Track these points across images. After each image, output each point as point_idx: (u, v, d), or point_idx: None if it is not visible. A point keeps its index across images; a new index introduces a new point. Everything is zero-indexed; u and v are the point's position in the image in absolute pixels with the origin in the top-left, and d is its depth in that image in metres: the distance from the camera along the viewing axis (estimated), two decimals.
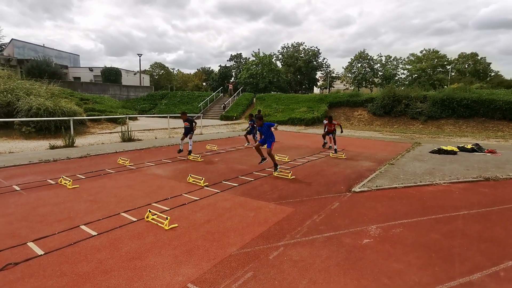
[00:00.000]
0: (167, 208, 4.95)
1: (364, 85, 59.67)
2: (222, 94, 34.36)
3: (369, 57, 58.28)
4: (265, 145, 7.48)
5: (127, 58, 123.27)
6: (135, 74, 47.55)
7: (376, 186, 6.31)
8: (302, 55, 55.34)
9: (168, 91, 37.60)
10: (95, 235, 3.92)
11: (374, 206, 5.24)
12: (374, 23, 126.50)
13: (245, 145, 12.55)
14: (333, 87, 66.05)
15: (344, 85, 63.55)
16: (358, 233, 4.15)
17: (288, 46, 56.79)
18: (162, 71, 77.02)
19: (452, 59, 58.18)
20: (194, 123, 9.70)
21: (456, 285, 2.98)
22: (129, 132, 13.02)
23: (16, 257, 3.33)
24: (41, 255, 3.39)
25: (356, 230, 4.26)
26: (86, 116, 16.36)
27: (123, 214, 4.67)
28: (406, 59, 60.27)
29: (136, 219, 4.46)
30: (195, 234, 4.02)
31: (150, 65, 75.97)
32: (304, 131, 19.33)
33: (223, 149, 11.51)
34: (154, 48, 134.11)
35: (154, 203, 5.20)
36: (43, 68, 29.79)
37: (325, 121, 11.80)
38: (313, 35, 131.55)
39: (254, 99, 31.48)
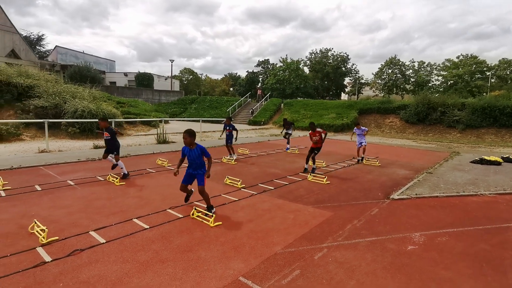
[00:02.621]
0: (200, 210, 5.16)
1: (394, 92, 57.87)
2: (250, 99, 34.81)
3: (400, 62, 56.55)
4: (195, 182, 4.91)
5: (157, 64, 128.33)
6: (166, 79, 49.50)
7: (416, 194, 6.17)
8: (331, 61, 54.72)
9: (198, 96, 38.69)
10: (147, 228, 4.20)
11: (415, 214, 5.14)
12: (407, 28, 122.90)
13: (227, 157, 10.11)
14: (362, 93, 64.64)
15: (374, 91, 62.02)
16: (401, 240, 4.11)
17: (316, 52, 56.45)
18: (191, 77, 79.39)
19: (492, 65, 54.99)
20: (115, 134, 7.01)
21: None
22: (164, 135, 13.60)
23: (81, 244, 3.65)
24: (103, 243, 3.70)
25: (399, 236, 4.22)
26: (123, 119, 17.27)
27: (169, 210, 4.95)
28: (441, 65, 57.80)
29: (182, 216, 4.71)
30: (240, 232, 4.18)
31: (180, 71, 78.59)
32: (334, 138, 19.11)
33: (254, 153, 11.70)
34: (183, 54, 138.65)
35: (196, 201, 5.45)
36: (84, 73, 31.88)
37: (356, 129, 10.37)
38: (341, 41, 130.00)
39: (282, 104, 31.58)
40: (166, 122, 24.33)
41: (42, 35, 51.43)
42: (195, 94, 58.05)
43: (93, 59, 48.24)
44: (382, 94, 57.24)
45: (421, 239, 4.15)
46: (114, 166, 7.06)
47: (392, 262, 3.49)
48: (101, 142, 11.73)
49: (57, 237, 3.78)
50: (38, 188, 5.95)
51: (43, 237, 3.65)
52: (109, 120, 13.12)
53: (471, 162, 10.54)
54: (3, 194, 5.49)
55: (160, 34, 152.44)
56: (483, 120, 19.82)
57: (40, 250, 3.48)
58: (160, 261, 3.33)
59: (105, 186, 6.30)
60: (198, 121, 18.10)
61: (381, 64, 58.27)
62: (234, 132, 10.27)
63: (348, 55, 55.09)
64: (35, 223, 3.99)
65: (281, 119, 27.39)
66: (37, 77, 16.80)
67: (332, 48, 56.73)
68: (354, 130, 10.55)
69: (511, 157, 10.68)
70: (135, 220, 4.48)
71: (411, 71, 57.56)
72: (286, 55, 66.22)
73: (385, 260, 3.52)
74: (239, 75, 75.49)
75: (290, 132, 13.48)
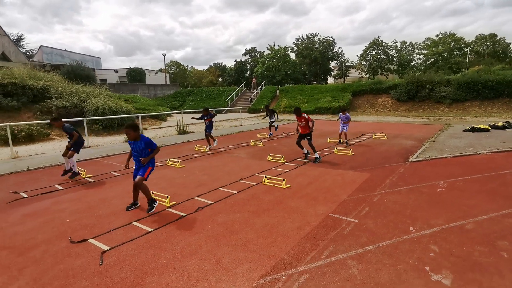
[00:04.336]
0: (270, 177, 6.32)
1: (379, 72, 59.78)
2: (246, 88, 35.66)
3: (384, 44, 58.26)
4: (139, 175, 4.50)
5: (136, 58, 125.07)
6: (156, 73, 49.47)
7: (429, 157, 7.53)
8: (317, 46, 55.79)
9: (194, 88, 39.15)
10: (236, 193, 5.33)
11: (434, 170, 6.48)
12: (385, 8, 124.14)
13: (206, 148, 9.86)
14: (348, 76, 66.32)
15: (359, 73, 63.75)
16: (430, 186, 5.41)
17: (303, 38, 57.32)
18: (177, 69, 78.81)
19: (469, 41, 57.44)
20: (74, 135, 6.38)
21: None
22: (184, 126, 14.53)
23: (197, 205, 4.75)
24: (213, 203, 4.82)
25: (427, 184, 5.53)
26: (134, 114, 17.99)
27: (241, 181, 6.08)
28: (422, 44, 59.90)
29: (255, 183, 5.85)
30: (308, 190, 5.38)
31: (167, 64, 77.78)
32: (334, 119, 20.44)
33: (273, 136, 12.83)
34: (162, 46, 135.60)
35: (257, 174, 6.59)
36: (77, 72, 31.79)
37: (341, 114, 10.14)
38: (321, 24, 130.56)
39: (277, 91, 32.63)
40: (169, 115, 25.05)
41: (21, 35, 50.00)
42: (184, 86, 58.13)
43: (78, 57, 47.44)
44: (368, 76, 59.14)
45: (445, 184, 5.47)
46: (71, 174, 6.48)
47: (429, 199, 4.77)
48: None
49: (175, 202, 4.87)
50: (116, 174, 6.93)
51: (167, 202, 4.74)
52: (129, 114, 13.82)
53: (464, 130, 12.07)
54: (92, 180, 6.46)
55: (136, 26, 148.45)
56: (467, 94, 21.58)
57: (170, 210, 4.57)
58: (265, 210, 4.49)
59: (170, 169, 7.34)
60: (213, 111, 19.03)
61: (365, 46, 59.89)
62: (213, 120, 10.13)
63: (334, 39, 56.23)
64: (152, 193, 5.05)
65: (278, 105, 28.55)
66: (47, 78, 17.24)
67: (318, 33, 57.59)
68: (339, 115, 10.45)
69: (497, 124, 12.26)
70: (221, 188, 5.60)
71: (394, 51, 59.44)
72: (274, 42, 66.52)
73: (424, 198, 4.81)
74: (225, 65, 75.51)
75: (273, 120, 13.14)
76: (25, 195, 5.51)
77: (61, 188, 5.91)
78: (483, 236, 3.51)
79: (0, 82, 14.78)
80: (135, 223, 4.13)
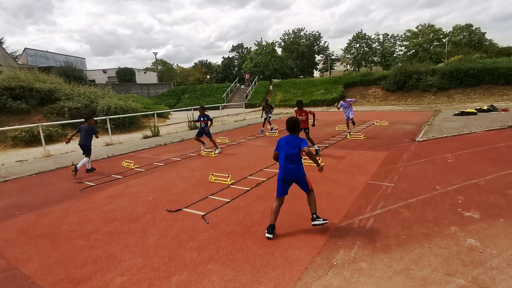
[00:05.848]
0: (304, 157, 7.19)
1: (363, 64, 61.67)
2: (238, 84, 36.36)
3: (367, 36, 60.08)
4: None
5: (115, 57, 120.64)
6: (145, 72, 49.37)
7: (432, 136, 8.63)
8: (304, 40, 56.92)
9: (188, 86, 39.47)
10: None
11: (440, 147, 7.56)
12: (364, 0, 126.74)
13: (202, 147, 8.97)
14: (333, 69, 67.90)
15: (344, 66, 65.48)
16: (442, 158, 6.46)
17: (289, 33, 58.32)
18: (163, 68, 78.23)
19: (447, 31, 60.06)
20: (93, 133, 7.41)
21: None
22: (194, 122, 15.19)
23: (253, 183, 5.59)
24: (266, 179, 5.68)
25: (439, 157, 6.58)
26: (140, 113, 18.44)
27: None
28: (403, 36, 62.15)
29: None
30: (342, 166, 6.31)
31: (152, 63, 77.03)
32: (330, 111, 21.55)
33: (282, 128, 13.74)
34: (141, 45, 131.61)
35: None
36: (69, 73, 31.57)
37: (342, 102, 9.89)
38: (302, 18, 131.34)
39: (271, 86, 33.50)
40: (169, 113, 25.48)
41: (2, 38, 48.63)
42: (173, 85, 58.04)
43: (62, 58, 46.63)
44: (352, 68, 60.92)
45: (453, 156, 6.53)
46: (88, 170, 7.25)
47: (444, 167, 5.81)
48: (148, 133, 13.20)
49: (233, 180, 5.69)
50: (160, 164, 7.65)
51: (228, 181, 5.56)
52: (154, 111, 14.31)
53: (454, 115, 13.35)
54: (142, 170, 7.16)
55: (113, 25, 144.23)
56: (451, 82, 23.13)
57: (233, 186, 5.40)
58: (314, 182, 5.33)
59: (205, 158, 8.11)
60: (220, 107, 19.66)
61: (349, 39, 61.50)
62: (209, 123, 8.86)
63: (320, 33, 57.49)
64: (212, 175, 5.86)
65: (274, 99, 29.44)
66: (51, 81, 17.46)
67: (304, 28, 58.76)
68: (340, 104, 9.98)
69: (483, 108, 13.62)
70: (265, 169, 6.45)
71: (377, 43, 61.40)
72: (261, 38, 67.63)
73: (440, 167, 5.84)
74: (210, 62, 75.58)
75: (270, 116, 12.89)
76: (92, 184, 6.18)
77: (120, 177, 6.60)
78: (494, 188, 4.55)
79: (8, 86, 14.99)
80: (211, 196, 4.94)
